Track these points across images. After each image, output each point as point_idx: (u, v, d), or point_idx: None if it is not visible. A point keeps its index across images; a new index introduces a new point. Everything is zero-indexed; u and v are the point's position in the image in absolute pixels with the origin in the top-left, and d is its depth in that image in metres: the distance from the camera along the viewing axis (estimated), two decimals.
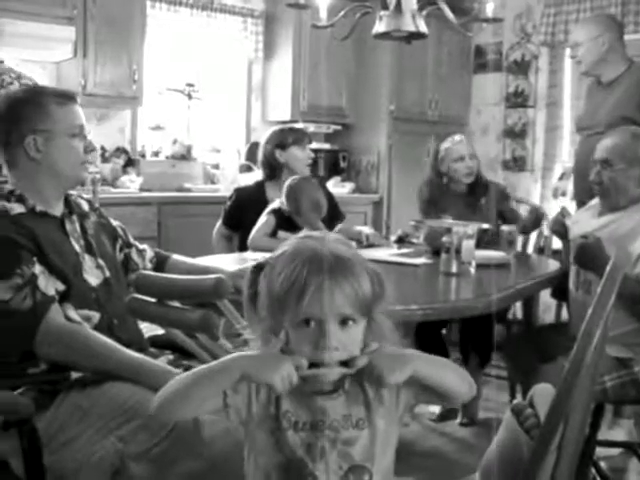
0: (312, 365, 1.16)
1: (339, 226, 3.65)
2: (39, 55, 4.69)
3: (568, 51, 5.90)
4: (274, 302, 1.18)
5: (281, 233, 3.23)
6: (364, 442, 1.19)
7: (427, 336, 3.55)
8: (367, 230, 3.65)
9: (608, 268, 1.28)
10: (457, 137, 3.74)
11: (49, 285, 1.86)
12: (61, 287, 1.89)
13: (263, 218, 3.27)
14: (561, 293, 3.03)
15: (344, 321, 1.16)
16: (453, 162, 3.62)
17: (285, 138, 3.65)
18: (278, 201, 3.32)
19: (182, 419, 1.27)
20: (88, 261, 2.03)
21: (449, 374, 1.22)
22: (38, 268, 1.85)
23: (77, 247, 2.02)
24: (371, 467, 1.19)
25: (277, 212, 3.28)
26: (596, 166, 2.68)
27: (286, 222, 3.25)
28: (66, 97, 2.03)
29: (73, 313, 1.89)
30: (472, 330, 3.61)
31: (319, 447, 1.17)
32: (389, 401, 1.22)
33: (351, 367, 1.16)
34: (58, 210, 2.04)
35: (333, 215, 3.73)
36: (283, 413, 1.19)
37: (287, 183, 3.31)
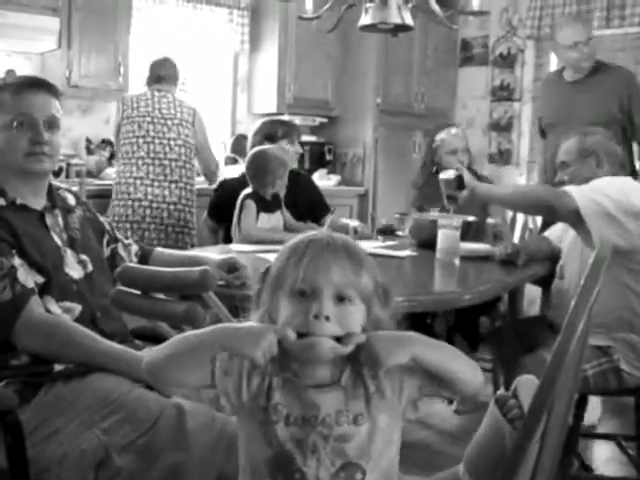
0: (302, 338, 1.13)
1: (328, 219, 3.65)
2: (24, 46, 4.66)
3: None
4: (274, 279, 1.18)
5: (263, 215, 3.24)
6: (361, 439, 1.15)
7: (413, 326, 3.57)
8: (355, 223, 3.65)
9: (591, 260, 1.28)
10: (453, 130, 3.83)
11: (28, 278, 1.85)
12: (40, 280, 1.88)
13: (245, 206, 3.25)
14: (543, 280, 3.06)
15: (340, 298, 1.14)
16: (445, 154, 3.69)
17: (275, 130, 3.66)
18: (248, 189, 3.33)
19: (170, 385, 1.24)
20: (70, 256, 2.01)
21: (456, 360, 1.16)
22: (17, 261, 1.84)
23: (59, 241, 2.00)
24: (365, 465, 1.15)
25: (252, 195, 3.28)
26: (557, 170, 2.84)
27: (262, 205, 3.27)
28: (22, 85, 1.98)
29: (54, 306, 1.88)
30: (460, 318, 3.63)
31: (310, 443, 1.14)
32: (391, 395, 1.17)
33: (345, 344, 1.12)
34: (39, 204, 2.02)
35: (318, 208, 3.73)
36: (273, 405, 1.15)
37: (251, 161, 3.36)
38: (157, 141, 4.06)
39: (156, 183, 4.02)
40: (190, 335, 1.18)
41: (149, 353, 1.19)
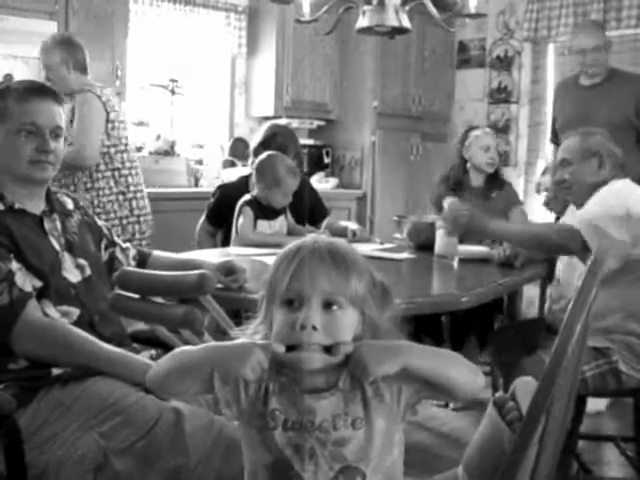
0: (292, 351, 1.13)
1: (325, 222, 3.64)
2: (21, 50, 4.64)
3: (551, 47, 5.96)
4: (267, 289, 1.18)
5: (260, 222, 3.23)
6: (358, 442, 1.15)
7: (426, 322, 3.57)
8: (353, 226, 3.64)
9: (589, 262, 1.28)
10: (487, 129, 3.98)
11: (26, 282, 1.85)
12: (38, 284, 1.88)
13: (242, 212, 3.25)
14: (540, 282, 3.06)
15: (328, 304, 1.13)
16: (479, 149, 3.76)
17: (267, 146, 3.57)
18: (247, 195, 3.32)
19: (173, 397, 1.26)
20: (68, 259, 2.01)
21: (452, 366, 1.15)
22: (15, 265, 1.84)
23: (57, 245, 2.01)
24: (365, 468, 1.15)
25: (251, 203, 3.27)
26: (557, 168, 2.82)
27: (261, 211, 3.26)
28: (28, 92, 1.98)
29: (52, 310, 1.88)
30: (472, 316, 3.62)
31: (308, 448, 1.14)
32: (390, 399, 1.16)
33: (334, 354, 1.12)
34: (38, 208, 2.02)
35: (317, 211, 3.72)
36: (270, 411, 1.16)
37: (258, 158, 3.33)
38: (128, 148, 3.78)
39: (139, 194, 3.84)
40: (185, 353, 1.19)
41: (153, 368, 1.20)
